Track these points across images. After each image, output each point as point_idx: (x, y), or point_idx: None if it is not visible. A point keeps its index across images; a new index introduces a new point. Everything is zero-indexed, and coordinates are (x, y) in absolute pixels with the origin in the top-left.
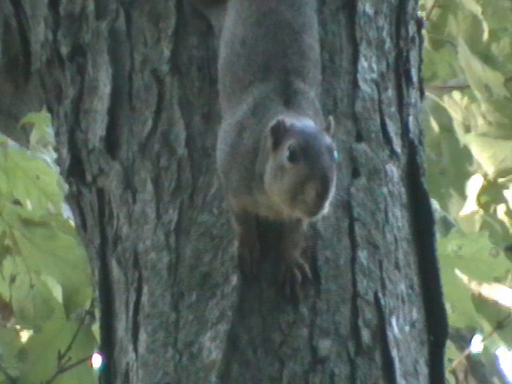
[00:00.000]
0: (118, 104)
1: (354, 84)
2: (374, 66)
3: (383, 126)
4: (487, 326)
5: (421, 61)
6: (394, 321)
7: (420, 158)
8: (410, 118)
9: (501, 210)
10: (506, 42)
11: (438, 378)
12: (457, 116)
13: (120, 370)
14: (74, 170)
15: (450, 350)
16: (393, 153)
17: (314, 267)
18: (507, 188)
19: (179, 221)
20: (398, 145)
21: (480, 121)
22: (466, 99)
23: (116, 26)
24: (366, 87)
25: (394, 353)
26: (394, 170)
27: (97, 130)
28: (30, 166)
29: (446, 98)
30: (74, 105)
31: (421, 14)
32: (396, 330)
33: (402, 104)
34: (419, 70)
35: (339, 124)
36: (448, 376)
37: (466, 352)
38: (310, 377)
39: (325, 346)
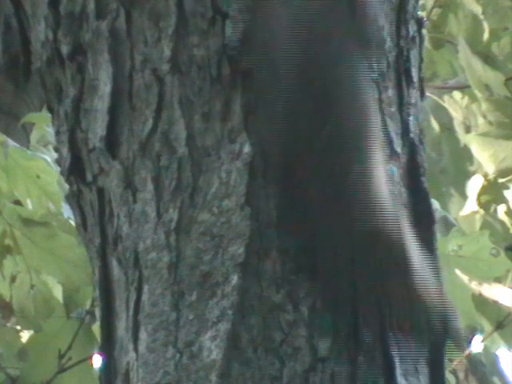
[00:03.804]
0: (118, 103)
1: None
2: (375, 65)
3: (383, 125)
4: (487, 326)
5: (421, 60)
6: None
7: (420, 157)
8: (411, 118)
9: (501, 209)
10: (506, 41)
11: (439, 378)
12: (457, 115)
13: (120, 370)
14: (75, 170)
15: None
16: (393, 152)
17: (314, 266)
18: (508, 188)
19: (179, 220)
20: (398, 144)
21: (480, 120)
22: (466, 99)
23: (116, 25)
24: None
25: (395, 352)
26: (394, 170)
27: (97, 129)
28: (31, 165)
29: (446, 97)
30: (75, 104)
31: (421, 13)
32: None
33: (402, 103)
34: (420, 69)
35: None
36: (448, 375)
37: (467, 352)
38: (310, 376)
39: (325, 345)
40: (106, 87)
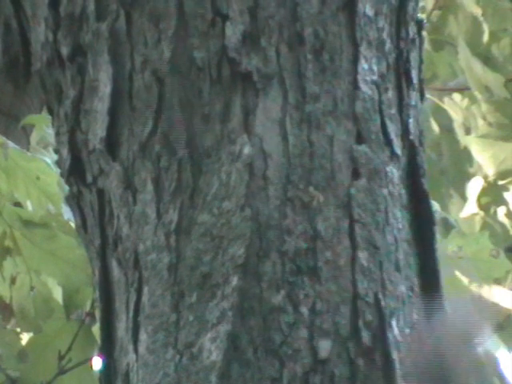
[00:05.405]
0: (118, 104)
1: (354, 85)
2: (375, 67)
3: (383, 127)
4: None
5: (421, 62)
6: (394, 322)
7: (420, 158)
8: (411, 120)
9: (501, 211)
10: (506, 42)
11: None
12: (457, 117)
13: (120, 371)
14: (75, 171)
15: None
16: (393, 154)
17: (314, 268)
18: (507, 190)
19: (179, 221)
20: (398, 146)
21: (480, 122)
22: (466, 100)
23: (116, 27)
24: (366, 88)
25: (395, 354)
26: (394, 171)
27: (97, 130)
28: (31, 166)
29: (446, 99)
30: (75, 105)
31: (421, 15)
32: (396, 331)
33: (402, 105)
34: (420, 71)
35: (339, 125)
36: None
37: None
38: (310, 377)
39: (325, 346)
40: (106, 88)
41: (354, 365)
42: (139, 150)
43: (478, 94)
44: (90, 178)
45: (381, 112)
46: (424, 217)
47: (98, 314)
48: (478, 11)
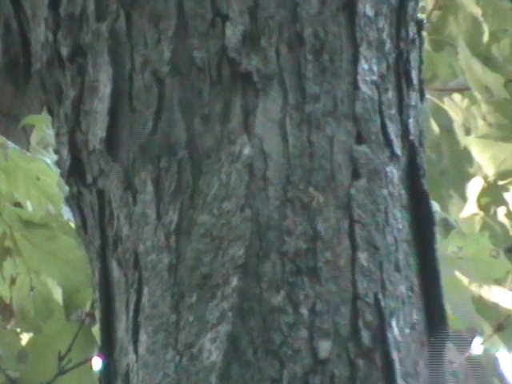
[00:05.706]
0: (118, 105)
1: (354, 85)
2: (375, 67)
3: (383, 127)
4: (487, 328)
5: (421, 62)
6: (394, 322)
7: (420, 159)
8: (411, 120)
9: (501, 212)
10: (506, 43)
11: (438, 380)
12: (457, 117)
13: (120, 371)
14: (75, 171)
15: (451, 351)
16: (393, 154)
17: (314, 268)
18: (507, 190)
19: (179, 222)
20: (398, 146)
21: (480, 122)
22: (466, 101)
23: (116, 27)
24: (366, 89)
25: (395, 354)
26: (394, 172)
27: (97, 131)
28: (31, 167)
29: (446, 99)
30: (75, 106)
31: (421, 15)
32: (396, 331)
33: (402, 105)
34: (420, 71)
35: (339, 125)
36: (448, 377)
37: (467, 354)
38: (310, 378)
39: (325, 347)
40: (105, 89)
41: (354, 365)
42: (139, 150)
43: (477, 95)
44: (89, 179)
45: (381, 112)
46: (424, 217)
47: (97, 314)
48: (478, 11)
